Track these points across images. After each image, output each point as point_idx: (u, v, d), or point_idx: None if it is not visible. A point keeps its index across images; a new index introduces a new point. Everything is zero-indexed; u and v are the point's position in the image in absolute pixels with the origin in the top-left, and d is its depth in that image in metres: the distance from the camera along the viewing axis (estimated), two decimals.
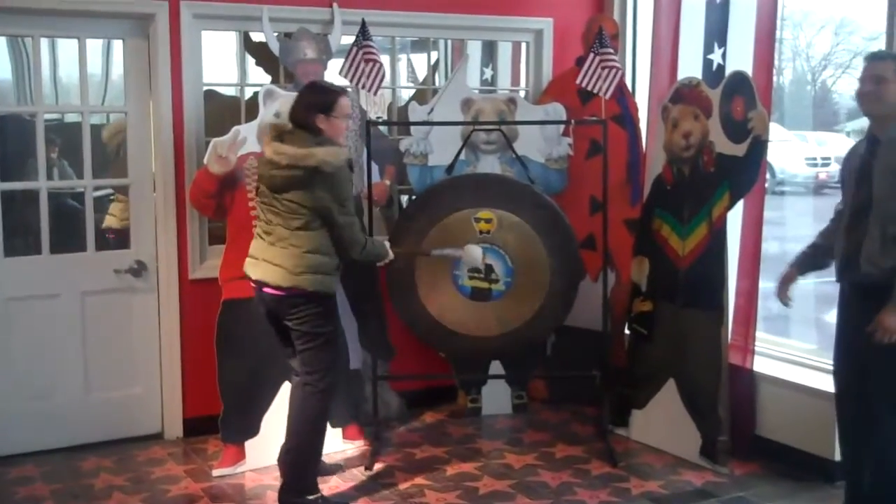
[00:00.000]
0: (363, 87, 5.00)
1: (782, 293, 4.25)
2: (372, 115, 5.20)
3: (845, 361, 3.99)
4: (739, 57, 5.15)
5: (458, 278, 5.19)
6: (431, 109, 5.49)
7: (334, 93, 4.32)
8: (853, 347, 3.89)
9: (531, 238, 5.16)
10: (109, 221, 5.46)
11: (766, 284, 5.29)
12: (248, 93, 5.49)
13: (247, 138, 4.78)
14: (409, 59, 6.88)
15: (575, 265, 5.22)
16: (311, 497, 4.42)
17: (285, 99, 4.88)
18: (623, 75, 5.32)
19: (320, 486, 4.51)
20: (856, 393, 3.93)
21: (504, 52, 6.41)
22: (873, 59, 3.87)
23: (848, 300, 3.94)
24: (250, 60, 5.74)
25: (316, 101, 4.29)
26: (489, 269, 5.17)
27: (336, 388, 4.49)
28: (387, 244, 4.58)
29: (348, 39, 5.30)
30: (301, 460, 4.42)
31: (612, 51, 5.21)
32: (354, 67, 5.00)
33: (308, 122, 4.25)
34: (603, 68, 5.13)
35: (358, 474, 4.84)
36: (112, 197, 5.53)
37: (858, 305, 3.85)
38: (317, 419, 4.41)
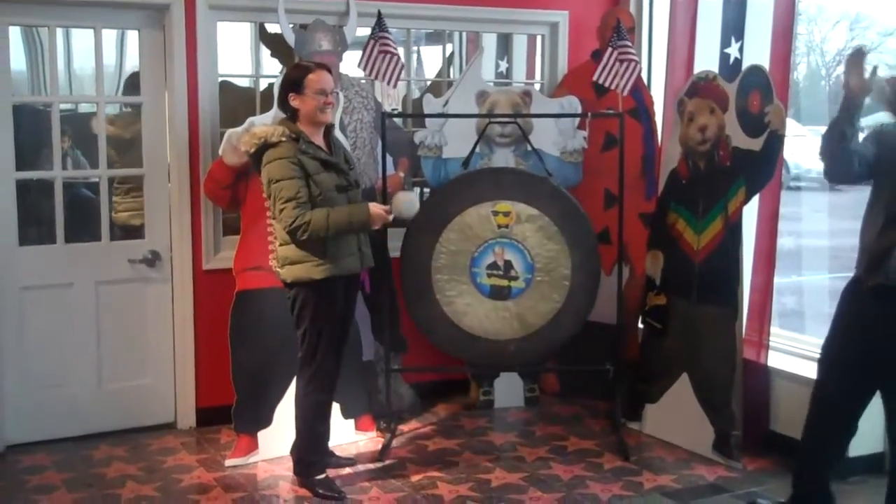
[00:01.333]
0: (381, 79, 4.99)
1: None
2: (387, 107, 5.19)
3: (842, 360, 3.88)
4: (756, 51, 5.13)
5: (476, 276, 5.18)
6: (446, 102, 5.48)
7: (305, 68, 4.29)
8: (860, 349, 3.79)
9: (552, 232, 5.14)
10: (120, 218, 5.41)
11: (781, 280, 5.28)
12: (263, 84, 5.49)
13: None
14: (419, 54, 6.86)
15: (596, 260, 5.20)
16: (317, 477, 4.48)
17: None
18: (640, 69, 5.29)
19: (335, 479, 4.54)
20: (848, 392, 3.89)
21: (519, 44, 6.39)
22: None
23: (863, 300, 3.77)
24: (265, 52, 5.74)
25: (287, 80, 4.29)
26: (508, 265, 5.16)
27: (327, 377, 4.43)
28: (371, 206, 4.28)
29: (364, 31, 5.30)
30: (299, 440, 4.50)
31: (629, 43, 5.18)
32: (372, 60, 4.99)
33: (284, 104, 4.28)
34: (620, 62, 5.11)
35: (370, 465, 4.84)
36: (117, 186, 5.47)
37: (877, 309, 3.72)
38: (305, 400, 4.45)
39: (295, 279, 4.27)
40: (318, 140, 4.33)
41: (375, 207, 4.30)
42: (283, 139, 4.14)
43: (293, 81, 4.24)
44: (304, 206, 4.13)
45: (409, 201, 4.80)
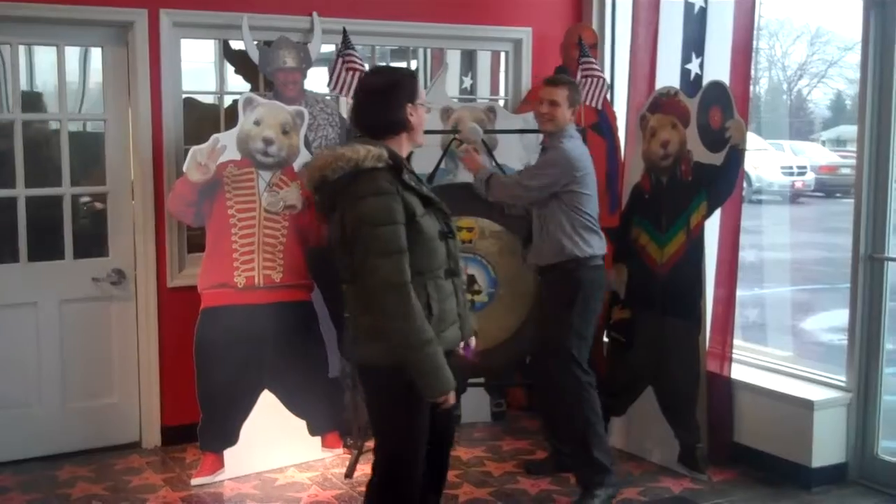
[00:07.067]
0: (348, 95, 5.00)
1: None
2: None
3: None
4: (717, 67, 5.19)
5: None
6: None
7: (413, 76, 3.31)
8: None
9: (514, 247, 5.17)
10: None
11: (744, 292, 5.34)
12: (228, 101, 5.48)
13: (226, 146, 4.79)
14: None
15: None
16: None
17: (265, 107, 4.90)
18: (607, 84, 5.35)
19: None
20: None
21: (483, 61, 6.43)
22: (549, 84, 4.57)
23: None
24: (229, 68, 5.74)
25: (403, 88, 3.18)
26: (471, 280, 5.19)
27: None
28: (452, 394, 3.22)
29: (328, 48, 5.32)
30: None
31: (594, 60, 5.23)
32: (338, 76, 5.00)
33: (393, 118, 3.17)
34: (586, 77, 5.16)
35: (338, 482, 4.83)
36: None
37: None
38: None
39: (374, 363, 3.18)
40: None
41: (453, 398, 3.25)
42: (380, 165, 3.02)
43: (412, 90, 3.19)
44: (406, 267, 3.04)
45: (473, 127, 4.83)
